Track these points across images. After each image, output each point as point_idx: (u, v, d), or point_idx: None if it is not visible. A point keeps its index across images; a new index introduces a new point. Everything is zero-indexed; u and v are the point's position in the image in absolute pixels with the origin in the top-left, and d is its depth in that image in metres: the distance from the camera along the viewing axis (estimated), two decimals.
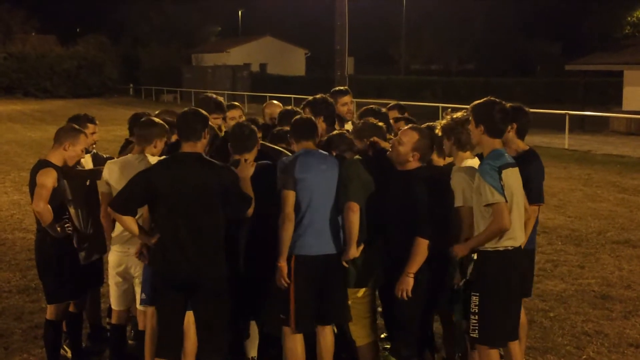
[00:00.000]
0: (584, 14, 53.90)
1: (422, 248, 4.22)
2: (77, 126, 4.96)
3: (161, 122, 4.81)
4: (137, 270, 4.60)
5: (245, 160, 4.47)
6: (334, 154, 4.60)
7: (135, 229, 4.15)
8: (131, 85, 55.92)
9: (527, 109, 4.78)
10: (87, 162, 5.29)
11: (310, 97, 5.35)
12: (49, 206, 4.59)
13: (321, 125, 4.99)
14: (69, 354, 5.19)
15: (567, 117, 20.25)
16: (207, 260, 4.10)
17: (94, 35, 59.69)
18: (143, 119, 4.85)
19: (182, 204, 4.05)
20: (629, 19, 51.71)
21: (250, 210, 4.29)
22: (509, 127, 4.49)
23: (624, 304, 6.50)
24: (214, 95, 5.65)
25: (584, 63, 29.38)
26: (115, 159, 4.85)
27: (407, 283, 4.24)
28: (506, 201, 3.92)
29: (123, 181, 4.37)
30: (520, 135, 4.68)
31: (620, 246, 8.68)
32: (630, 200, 11.75)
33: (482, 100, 4.13)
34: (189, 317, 4.29)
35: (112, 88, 54.88)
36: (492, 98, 4.13)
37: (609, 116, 24.29)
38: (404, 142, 4.38)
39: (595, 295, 6.76)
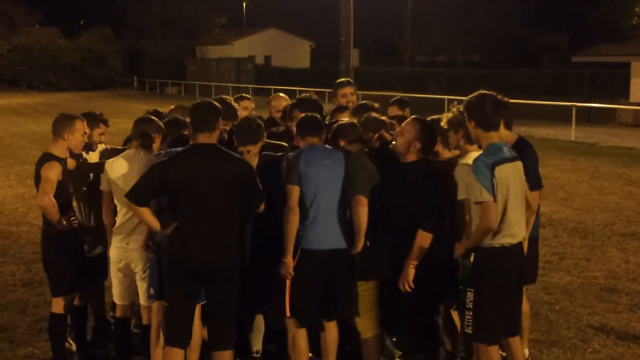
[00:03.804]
0: (591, 5, 53.50)
1: (422, 240, 4.21)
2: (69, 113, 4.92)
3: (155, 119, 4.79)
4: (137, 265, 4.59)
5: (248, 151, 4.47)
6: (342, 143, 4.57)
7: (151, 220, 4.11)
8: (135, 77, 55.85)
9: (506, 99, 4.67)
10: (94, 158, 5.27)
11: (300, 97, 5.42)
12: (54, 200, 4.56)
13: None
14: (74, 347, 5.19)
15: (573, 109, 20.15)
16: (225, 250, 4.12)
17: (97, 28, 59.45)
18: (140, 117, 4.83)
19: (203, 194, 4.04)
20: (636, 9, 51.27)
21: (262, 207, 4.28)
22: None
23: (630, 297, 6.48)
24: (230, 100, 5.32)
25: (590, 54, 29.29)
26: (114, 157, 4.80)
27: (408, 274, 4.23)
28: (495, 200, 3.87)
29: (127, 176, 4.38)
30: (508, 126, 4.62)
31: (627, 239, 8.65)
32: (637, 192, 11.69)
33: (473, 95, 4.09)
34: (195, 310, 4.29)
35: (116, 81, 54.89)
36: (482, 91, 4.08)
37: (615, 108, 24.18)
38: (406, 132, 4.37)
39: (601, 288, 6.73)
